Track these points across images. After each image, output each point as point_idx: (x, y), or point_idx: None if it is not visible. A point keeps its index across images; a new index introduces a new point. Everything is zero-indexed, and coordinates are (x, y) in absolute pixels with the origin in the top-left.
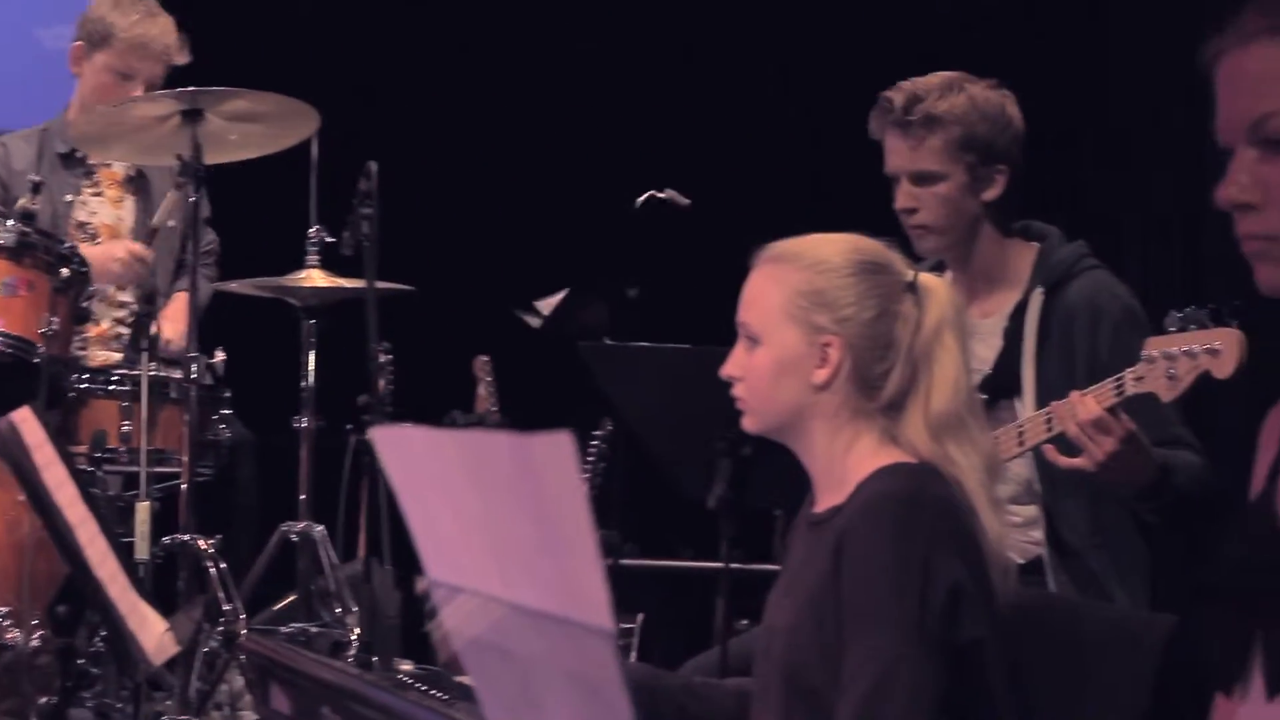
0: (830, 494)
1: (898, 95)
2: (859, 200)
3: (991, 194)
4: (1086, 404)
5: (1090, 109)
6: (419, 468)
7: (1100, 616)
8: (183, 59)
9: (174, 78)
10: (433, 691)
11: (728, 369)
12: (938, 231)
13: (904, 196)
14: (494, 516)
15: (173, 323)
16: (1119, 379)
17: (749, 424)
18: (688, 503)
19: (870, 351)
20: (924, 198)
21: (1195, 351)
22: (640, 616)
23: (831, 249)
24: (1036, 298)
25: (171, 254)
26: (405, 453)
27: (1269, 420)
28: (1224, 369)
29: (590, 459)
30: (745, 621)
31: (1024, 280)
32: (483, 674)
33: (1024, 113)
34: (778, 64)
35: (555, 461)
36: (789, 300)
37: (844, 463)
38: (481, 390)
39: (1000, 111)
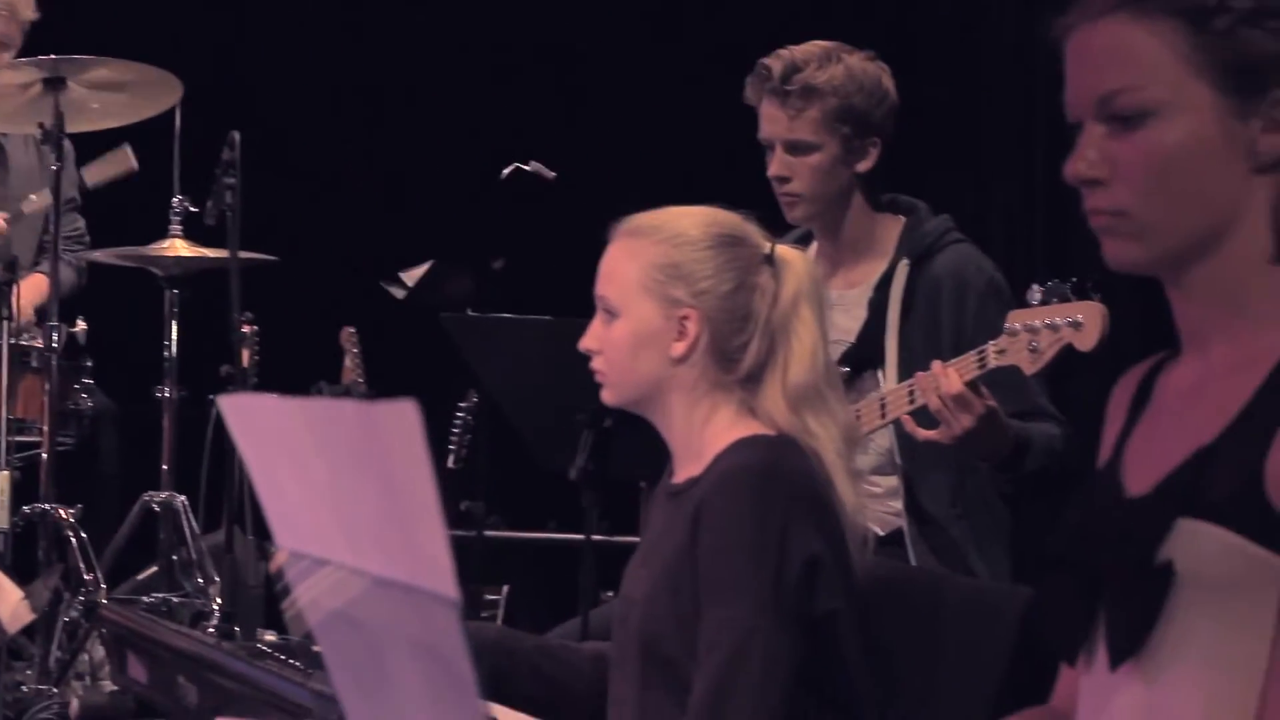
0: (688, 465)
1: (776, 64)
2: (725, 170)
3: (864, 165)
4: (948, 377)
5: (958, 81)
6: (266, 436)
7: (958, 587)
8: (31, 14)
9: (36, 45)
10: (291, 661)
11: (586, 342)
12: (808, 201)
13: (777, 164)
14: (341, 485)
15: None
16: (981, 351)
17: (608, 397)
18: (552, 474)
19: (728, 324)
20: (797, 167)
21: (1058, 324)
22: (506, 588)
23: (688, 221)
24: (902, 269)
25: (34, 232)
26: (253, 421)
27: (1116, 391)
28: (1086, 342)
29: (456, 430)
30: (610, 593)
31: (890, 252)
32: (331, 643)
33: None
34: (642, 34)
35: (400, 430)
36: (646, 274)
37: (702, 435)
38: (348, 361)
39: (877, 84)
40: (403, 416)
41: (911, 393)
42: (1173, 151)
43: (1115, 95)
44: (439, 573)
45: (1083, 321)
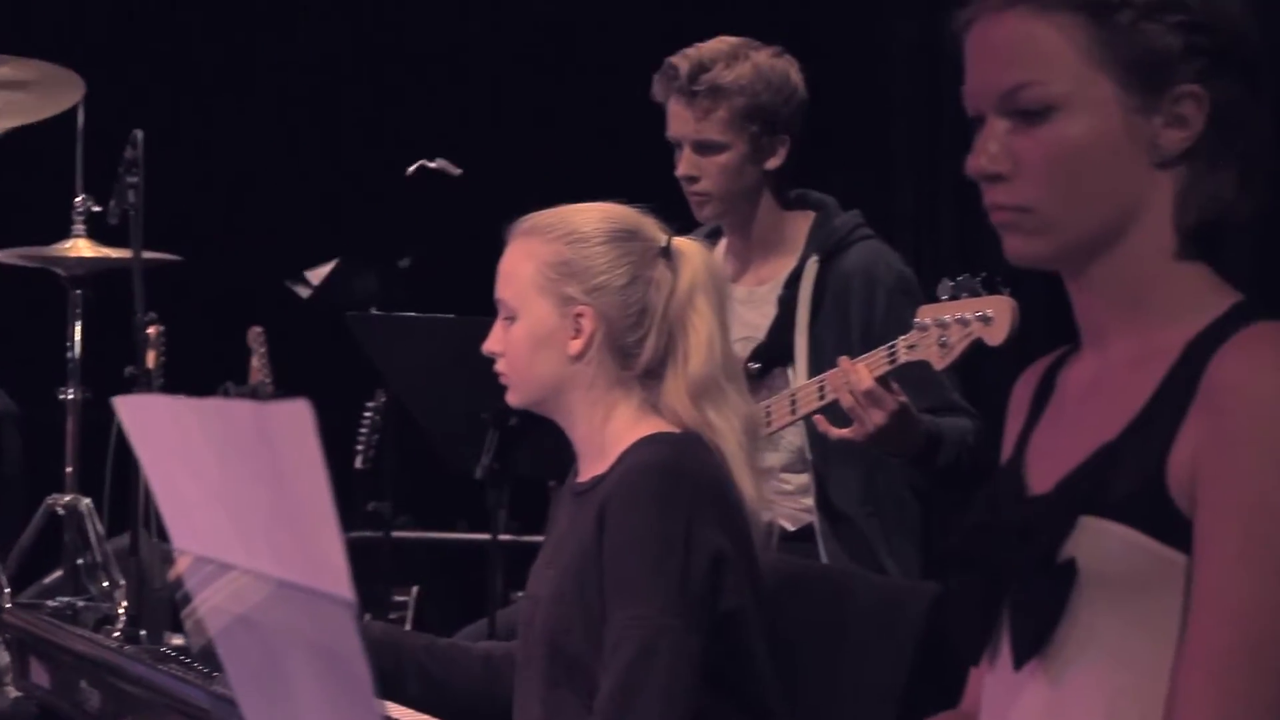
0: (593, 464)
1: (683, 63)
2: (634, 166)
3: (773, 163)
4: (859, 373)
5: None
6: (161, 437)
7: (864, 583)
8: None
9: None
10: (195, 664)
11: (489, 345)
12: (717, 199)
13: (686, 164)
14: (235, 486)
15: None
16: (891, 346)
17: (512, 398)
18: (460, 474)
19: (624, 319)
20: (706, 166)
21: (967, 319)
22: (415, 589)
23: (582, 218)
24: (811, 266)
25: None
26: (147, 422)
27: (1018, 387)
28: (996, 336)
29: (363, 430)
30: (520, 593)
31: (799, 248)
32: (229, 646)
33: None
34: (548, 30)
35: (293, 430)
36: (539, 273)
37: (604, 432)
38: (255, 361)
39: (785, 80)
40: (296, 417)
41: (822, 389)
42: (1076, 146)
43: (1018, 90)
44: (334, 574)
45: (992, 316)
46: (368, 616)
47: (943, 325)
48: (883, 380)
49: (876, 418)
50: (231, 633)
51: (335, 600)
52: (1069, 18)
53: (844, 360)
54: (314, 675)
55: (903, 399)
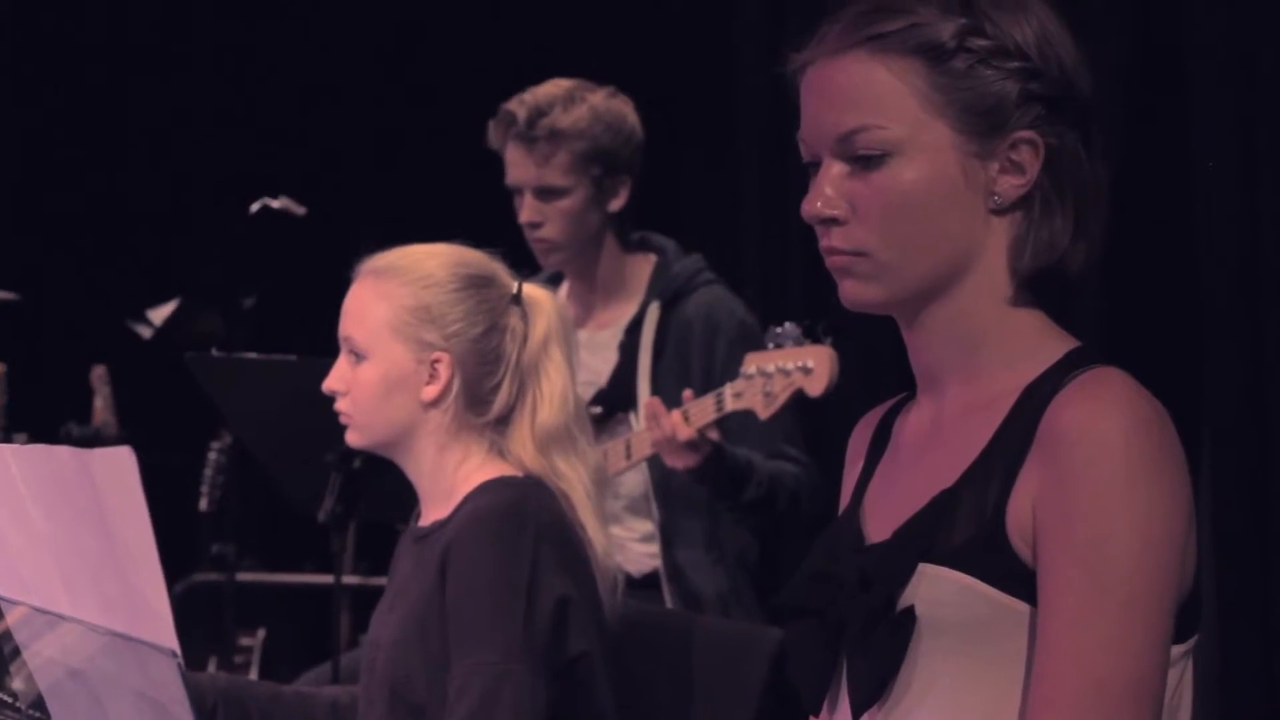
0: (435, 508)
1: (519, 108)
2: (473, 205)
3: (616, 204)
4: (677, 425)
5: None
6: None
7: (709, 629)
8: None
9: None
10: (29, 712)
11: (330, 383)
12: (562, 247)
13: (528, 210)
14: (60, 533)
15: None
16: (719, 394)
17: (353, 439)
18: (306, 516)
19: (479, 367)
20: (548, 212)
21: (789, 369)
22: (261, 632)
23: (435, 263)
24: (653, 311)
25: None
26: None
27: (854, 435)
28: (815, 387)
29: (208, 471)
30: (366, 635)
31: (641, 293)
32: (57, 697)
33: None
34: (390, 70)
35: (117, 476)
36: (395, 316)
37: (452, 478)
38: (98, 401)
39: (623, 121)
40: (119, 463)
41: None
42: (912, 191)
43: (855, 134)
44: (158, 623)
45: (812, 367)
46: (213, 661)
47: (766, 375)
48: (706, 428)
49: (689, 460)
50: (59, 683)
51: (159, 650)
52: (906, 62)
53: (656, 404)
54: None
55: (714, 438)
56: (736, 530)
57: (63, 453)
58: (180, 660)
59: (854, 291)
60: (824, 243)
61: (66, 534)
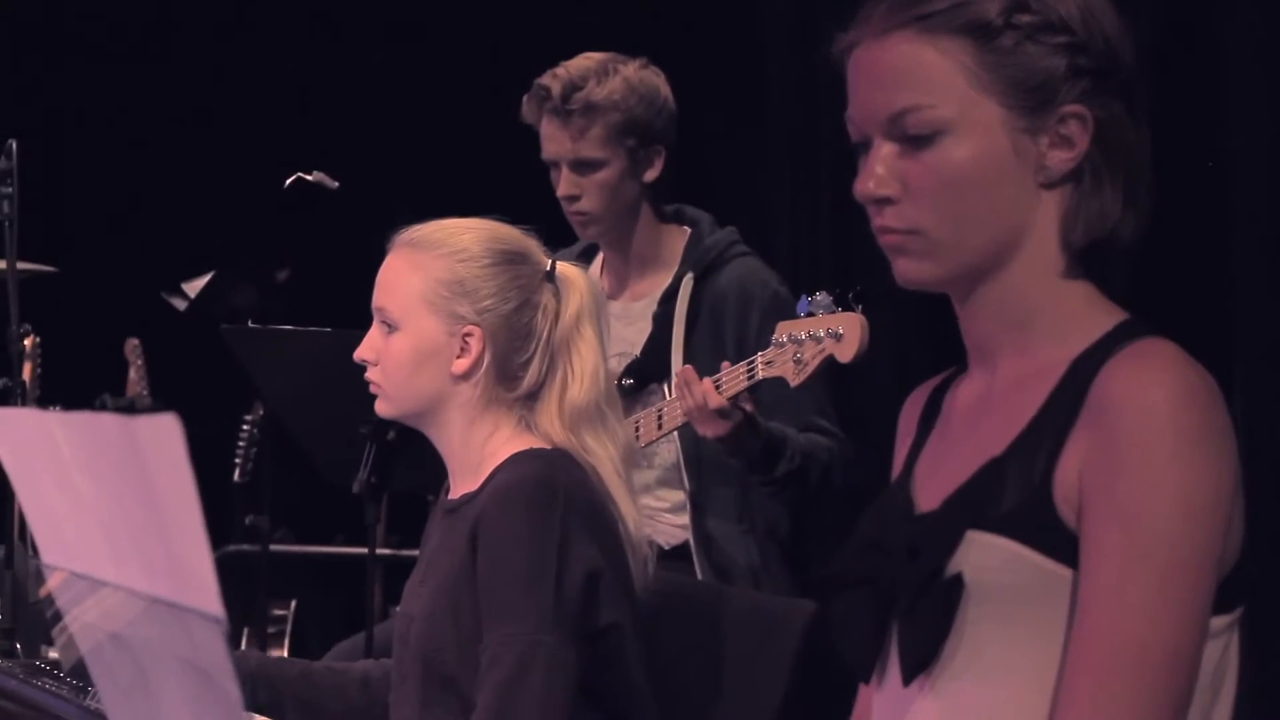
0: (465, 481)
1: (554, 83)
2: (507, 179)
3: (651, 175)
4: (710, 394)
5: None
6: (30, 450)
7: (741, 601)
8: None
9: None
10: (68, 679)
11: (361, 352)
12: (600, 219)
13: (565, 184)
14: (104, 500)
15: None
16: (750, 363)
17: (383, 408)
18: (339, 487)
19: (510, 342)
20: (585, 185)
21: (820, 335)
22: (294, 603)
23: (470, 237)
24: (687, 283)
25: None
26: (17, 435)
27: (905, 408)
28: (846, 353)
29: (241, 443)
30: (398, 607)
31: (675, 264)
32: (99, 661)
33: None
34: (423, 44)
35: (162, 443)
36: (429, 289)
37: (481, 451)
38: (132, 374)
39: (656, 92)
40: (164, 430)
41: None
42: (964, 169)
43: (905, 114)
44: (203, 590)
45: (843, 333)
46: (246, 631)
47: (797, 342)
48: (738, 397)
49: (719, 429)
50: (102, 649)
51: (204, 616)
52: (953, 41)
53: (688, 371)
54: (183, 691)
55: (747, 408)
56: (767, 501)
57: (108, 420)
58: (227, 627)
59: (908, 270)
60: (877, 222)
61: (111, 501)
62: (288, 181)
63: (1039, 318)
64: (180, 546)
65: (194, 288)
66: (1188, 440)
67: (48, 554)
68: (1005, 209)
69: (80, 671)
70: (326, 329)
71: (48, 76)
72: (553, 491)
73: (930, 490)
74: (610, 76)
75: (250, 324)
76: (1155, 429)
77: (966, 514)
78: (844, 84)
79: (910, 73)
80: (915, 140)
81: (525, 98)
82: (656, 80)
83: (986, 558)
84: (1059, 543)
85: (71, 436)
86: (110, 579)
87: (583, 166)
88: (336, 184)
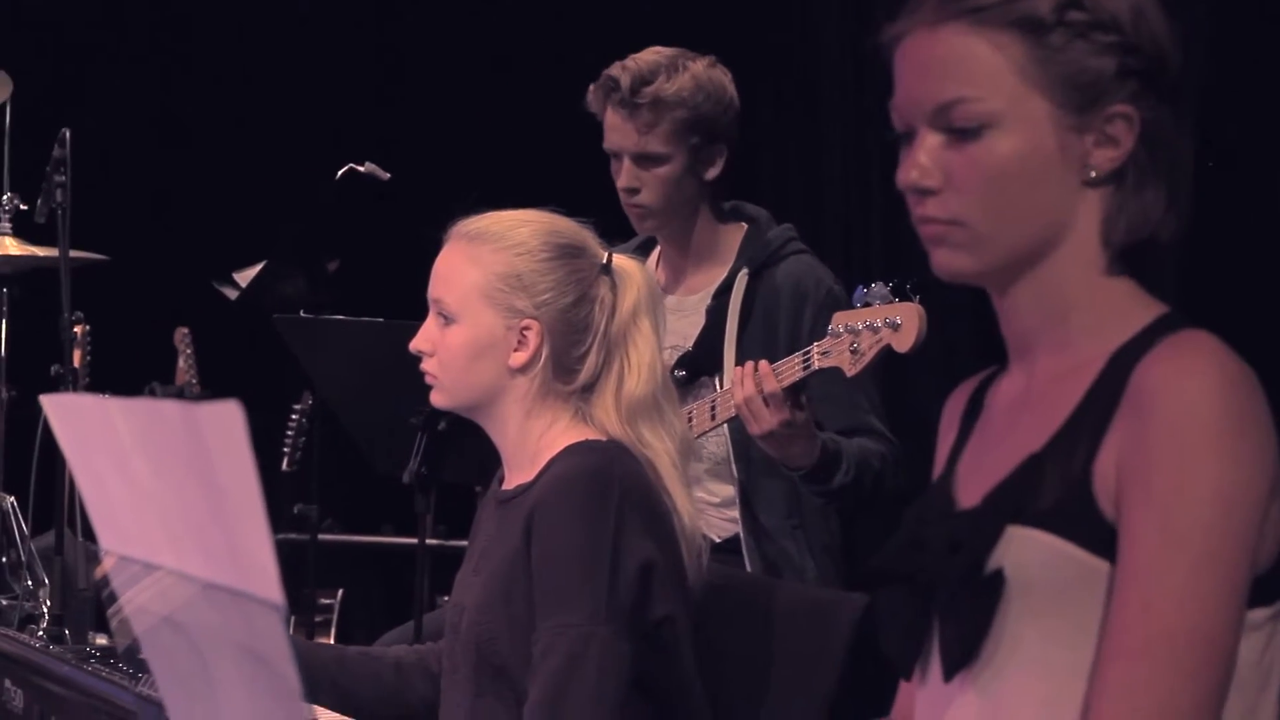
0: (520, 472)
1: (623, 75)
2: (560, 171)
3: (712, 173)
4: (768, 377)
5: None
6: (90, 436)
7: (792, 594)
8: None
9: None
10: (120, 664)
11: (418, 343)
12: (658, 213)
13: (627, 176)
14: (164, 487)
15: None
16: (806, 352)
17: (438, 399)
18: (388, 477)
19: (567, 336)
20: (646, 179)
21: (877, 325)
22: (340, 592)
23: (528, 230)
24: (741, 278)
25: None
26: (76, 421)
27: (948, 406)
28: (904, 343)
29: (290, 432)
30: (446, 598)
31: (731, 260)
32: (156, 648)
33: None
34: (476, 35)
35: (223, 431)
36: (487, 282)
37: (537, 443)
38: (181, 362)
39: (723, 91)
40: (227, 418)
41: None
42: (1009, 164)
43: (953, 106)
44: (263, 577)
45: (901, 323)
46: (293, 620)
47: (854, 332)
48: (796, 387)
49: (769, 422)
50: (158, 634)
51: (263, 603)
52: (1004, 35)
53: (763, 364)
54: (241, 677)
55: (802, 412)
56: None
57: (170, 406)
58: (287, 614)
59: (947, 261)
60: (918, 211)
61: (172, 487)
62: (339, 172)
63: (1077, 313)
64: (241, 534)
65: (245, 277)
66: (1226, 431)
67: (106, 540)
68: (1047, 205)
69: (132, 657)
70: (378, 319)
71: (103, 65)
72: (608, 483)
73: (971, 487)
74: (679, 73)
75: (301, 313)
76: (1193, 419)
77: (1007, 509)
78: (894, 76)
79: (960, 64)
80: (961, 132)
81: (591, 87)
82: (724, 79)
83: (1027, 553)
84: (1100, 536)
85: (132, 423)
86: (168, 565)
87: (645, 160)
88: (388, 175)
